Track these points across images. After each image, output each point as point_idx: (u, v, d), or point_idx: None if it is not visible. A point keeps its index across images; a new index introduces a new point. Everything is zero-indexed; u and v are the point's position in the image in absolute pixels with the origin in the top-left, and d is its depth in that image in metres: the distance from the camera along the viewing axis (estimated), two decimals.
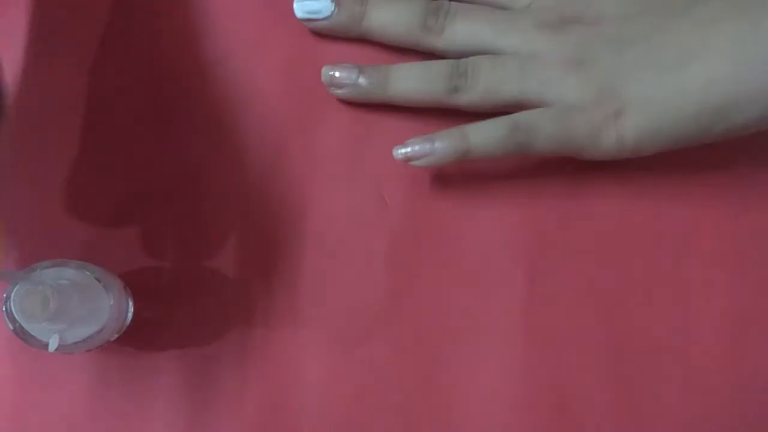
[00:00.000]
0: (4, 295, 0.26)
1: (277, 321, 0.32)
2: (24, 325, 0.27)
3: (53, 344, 0.27)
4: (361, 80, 0.31)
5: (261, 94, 0.33)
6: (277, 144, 0.33)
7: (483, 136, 0.30)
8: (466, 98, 0.30)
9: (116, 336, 0.30)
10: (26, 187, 0.32)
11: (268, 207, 0.32)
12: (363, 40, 0.33)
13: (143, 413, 0.31)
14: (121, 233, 0.32)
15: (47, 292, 0.25)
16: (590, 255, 0.32)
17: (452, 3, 0.31)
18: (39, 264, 0.27)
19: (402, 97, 0.31)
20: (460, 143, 0.30)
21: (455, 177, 0.33)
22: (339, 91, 0.32)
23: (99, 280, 0.28)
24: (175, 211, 0.32)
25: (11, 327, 0.27)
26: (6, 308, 0.27)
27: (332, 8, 0.32)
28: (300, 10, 0.32)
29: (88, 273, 0.28)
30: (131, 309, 0.31)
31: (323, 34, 0.33)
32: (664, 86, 0.29)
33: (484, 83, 0.30)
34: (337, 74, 0.32)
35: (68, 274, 0.28)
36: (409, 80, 0.31)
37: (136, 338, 0.31)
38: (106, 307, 0.28)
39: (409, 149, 0.30)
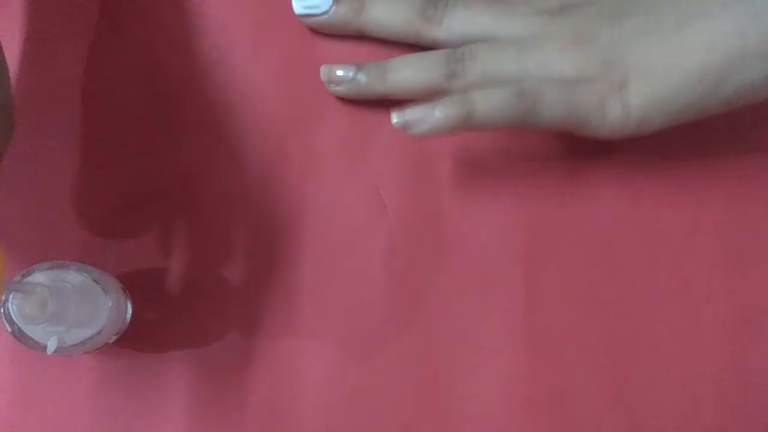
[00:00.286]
0: (2, 297, 0.26)
1: (276, 322, 0.32)
2: (22, 327, 0.27)
3: (51, 346, 0.27)
4: (360, 75, 0.31)
5: (260, 94, 0.33)
6: (277, 144, 0.33)
7: (487, 101, 0.28)
8: (464, 83, 0.30)
9: (115, 338, 0.30)
10: (25, 188, 0.32)
11: (267, 207, 0.32)
12: (362, 38, 0.33)
13: (142, 415, 0.31)
14: (120, 235, 0.32)
15: (45, 294, 0.25)
16: (590, 255, 0.32)
17: None
18: (37, 266, 0.27)
19: (400, 88, 0.31)
20: (461, 108, 0.28)
21: (455, 177, 0.33)
22: (338, 88, 0.32)
23: (97, 282, 0.28)
24: (174, 212, 0.32)
25: (9, 329, 0.27)
26: (4, 310, 0.26)
27: (330, 2, 0.31)
28: (299, 5, 0.32)
29: (86, 275, 0.28)
30: (130, 311, 0.30)
31: (322, 32, 0.33)
32: (665, 49, 0.28)
33: (482, 66, 0.29)
34: (336, 71, 0.32)
35: (67, 275, 0.28)
36: (407, 69, 0.30)
37: (135, 340, 0.31)
38: (105, 309, 0.28)
39: (408, 115, 0.28)
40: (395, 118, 0.29)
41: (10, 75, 0.32)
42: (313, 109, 0.33)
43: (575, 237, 0.32)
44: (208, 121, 0.33)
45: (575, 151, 0.32)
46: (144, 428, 0.31)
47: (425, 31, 0.31)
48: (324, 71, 0.32)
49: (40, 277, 0.27)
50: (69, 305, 0.27)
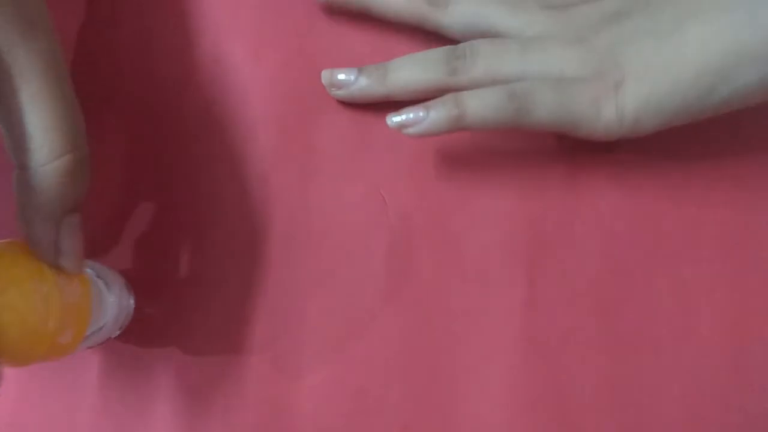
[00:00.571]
0: None
1: (277, 320, 0.32)
2: None
3: None
4: (361, 79, 0.32)
5: (260, 94, 0.33)
6: (277, 143, 0.33)
7: (479, 101, 0.29)
8: (465, 79, 0.30)
9: (117, 333, 0.30)
10: None
11: (267, 206, 0.32)
12: (364, 37, 0.33)
13: (144, 410, 0.32)
14: (122, 230, 0.32)
15: None
16: (590, 255, 0.32)
17: None
18: None
19: (402, 88, 0.31)
20: (453, 108, 0.29)
21: (456, 176, 0.33)
22: (340, 92, 0.32)
23: (101, 278, 0.29)
24: (175, 209, 0.33)
25: None
26: None
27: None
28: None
29: (90, 270, 0.28)
30: (133, 306, 0.31)
31: (324, 22, 0.33)
32: (662, 51, 0.28)
33: (483, 63, 0.30)
34: (337, 75, 0.32)
35: None
36: (407, 68, 0.31)
37: (138, 335, 0.32)
38: (108, 304, 0.29)
39: (403, 117, 0.29)
40: (390, 119, 0.29)
41: None
42: (314, 108, 0.33)
43: (575, 236, 0.32)
44: (208, 119, 0.33)
45: (576, 150, 0.32)
46: (145, 424, 0.31)
47: (430, 14, 0.31)
48: (325, 76, 0.32)
49: None
50: None
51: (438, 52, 0.30)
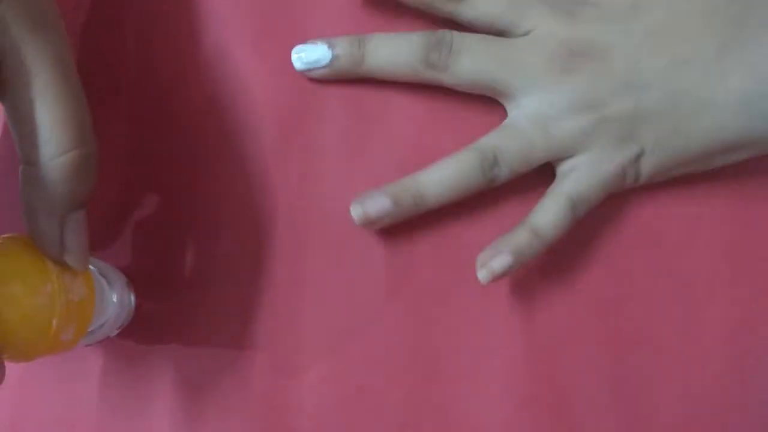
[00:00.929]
0: None
1: (277, 318, 0.32)
2: None
3: None
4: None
5: (260, 92, 0.33)
6: (277, 141, 0.33)
7: (553, 225, 0.30)
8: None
9: (117, 331, 0.30)
10: None
11: (267, 204, 0.33)
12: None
13: (143, 408, 0.32)
14: (123, 228, 0.32)
15: None
16: (590, 254, 0.32)
17: (454, 36, 0.30)
18: None
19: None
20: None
21: None
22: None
23: (103, 275, 0.29)
24: (176, 207, 0.33)
25: None
26: None
27: (330, 56, 0.31)
28: (298, 61, 0.32)
29: (92, 267, 0.28)
30: (133, 305, 0.31)
31: (320, 25, 0.33)
32: (679, 132, 0.30)
33: (514, 160, 0.31)
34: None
35: None
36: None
37: (137, 332, 0.32)
38: (109, 302, 0.29)
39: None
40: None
41: None
42: (314, 105, 0.33)
43: (575, 236, 0.32)
44: (209, 118, 0.33)
45: None
46: (144, 421, 0.31)
47: (430, 76, 0.31)
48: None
49: None
50: None
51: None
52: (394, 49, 0.31)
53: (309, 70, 0.32)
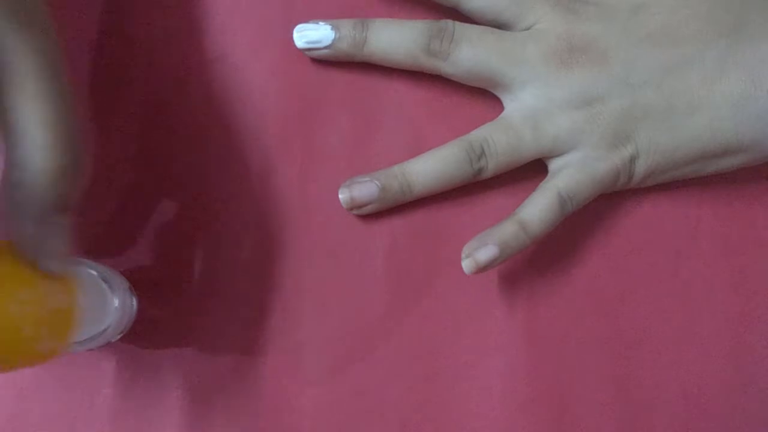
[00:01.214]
0: None
1: (278, 320, 0.32)
2: None
3: None
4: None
5: (260, 93, 0.33)
6: (278, 142, 0.33)
7: (540, 219, 0.30)
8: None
9: (119, 337, 0.30)
10: None
11: (268, 205, 0.32)
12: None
13: (144, 412, 0.31)
14: (125, 232, 0.32)
15: None
16: (591, 254, 0.32)
17: (456, 25, 0.31)
18: None
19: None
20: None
21: None
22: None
23: (105, 280, 0.28)
24: (178, 211, 0.32)
25: None
26: None
27: (332, 37, 0.31)
28: (300, 39, 0.32)
29: (94, 272, 0.28)
30: (135, 309, 0.31)
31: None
32: (674, 133, 0.30)
33: (501, 153, 0.31)
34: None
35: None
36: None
37: (139, 337, 0.31)
38: (111, 308, 0.28)
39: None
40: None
41: None
42: (314, 106, 0.33)
43: (576, 235, 0.33)
44: (208, 119, 0.33)
45: None
46: (145, 425, 0.31)
47: (430, 64, 0.31)
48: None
49: None
50: None
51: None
52: (396, 35, 0.31)
53: (310, 49, 0.32)
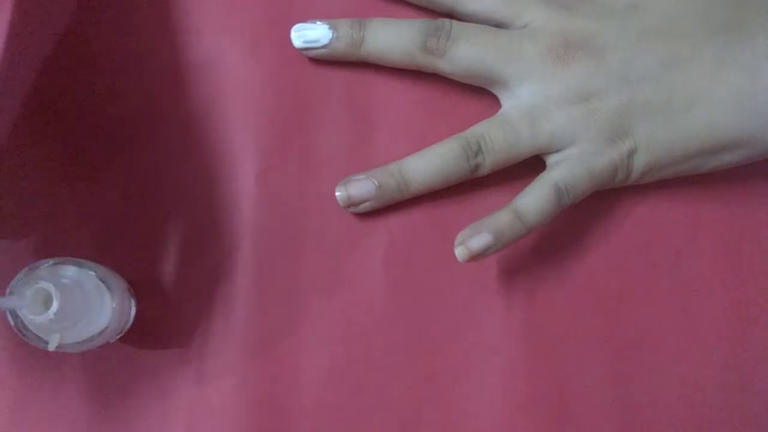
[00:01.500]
0: (8, 290, 0.26)
1: (277, 320, 0.32)
2: (25, 321, 0.27)
3: (53, 343, 0.27)
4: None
5: (259, 92, 0.33)
6: (277, 143, 0.33)
7: (535, 209, 0.30)
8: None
9: (117, 338, 0.30)
10: (31, 186, 0.32)
11: (267, 206, 0.32)
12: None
13: (142, 412, 0.31)
14: (123, 233, 0.32)
15: (50, 290, 0.25)
16: (590, 254, 0.32)
17: (453, 23, 0.31)
18: (43, 261, 0.27)
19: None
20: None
21: None
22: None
23: (103, 281, 0.28)
24: (176, 211, 0.32)
25: (12, 322, 0.27)
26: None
27: (330, 36, 0.31)
28: (298, 39, 0.32)
29: (92, 273, 0.28)
30: (134, 311, 0.30)
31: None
32: (672, 128, 0.30)
33: (498, 149, 0.31)
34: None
35: (71, 272, 0.28)
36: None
37: (137, 337, 0.31)
38: (109, 309, 0.28)
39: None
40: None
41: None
42: (313, 105, 0.33)
43: (576, 235, 0.33)
44: (207, 119, 0.33)
45: None
46: (143, 426, 0.31)
47: (427, 62, 0.31)
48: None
49: (45, 273, 0.27)
50: (73, 302, 0.27)
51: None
52: (393, 33, 0.31)
53: (308, 49, 0.32)
